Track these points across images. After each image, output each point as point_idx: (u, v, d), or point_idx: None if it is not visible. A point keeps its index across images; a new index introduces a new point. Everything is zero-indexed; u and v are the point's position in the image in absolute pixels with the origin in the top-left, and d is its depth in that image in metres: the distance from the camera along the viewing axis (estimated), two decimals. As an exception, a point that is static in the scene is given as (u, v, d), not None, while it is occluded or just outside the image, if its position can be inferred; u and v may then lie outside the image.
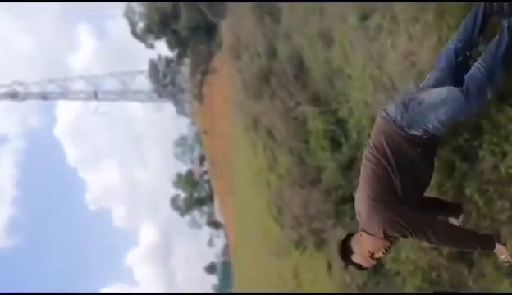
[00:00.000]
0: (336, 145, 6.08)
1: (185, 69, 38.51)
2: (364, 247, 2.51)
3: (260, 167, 13.11)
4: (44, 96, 37.07)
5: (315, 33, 7.04)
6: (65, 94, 37.57)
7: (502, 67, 2.45)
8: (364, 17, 5.31)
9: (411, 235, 2.39)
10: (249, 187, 18.12)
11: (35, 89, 36.97)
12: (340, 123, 6.10)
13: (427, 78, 2.72)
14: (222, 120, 28.41)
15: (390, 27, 4.58)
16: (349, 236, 2.63)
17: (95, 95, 37.37)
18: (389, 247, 2.52)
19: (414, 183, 2.48)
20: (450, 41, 2.81)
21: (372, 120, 5.22)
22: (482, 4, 2.65)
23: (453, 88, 2.52)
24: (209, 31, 30.00)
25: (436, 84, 2.59)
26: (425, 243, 2.62)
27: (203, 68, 33.87)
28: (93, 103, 40.45)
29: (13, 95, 36.37)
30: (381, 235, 2.43)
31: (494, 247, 2.36)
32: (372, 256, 2.51)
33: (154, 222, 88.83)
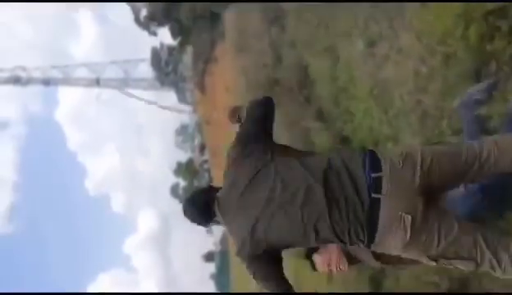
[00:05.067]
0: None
1: (188, 57, 38.48)
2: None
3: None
4: (46, 81, 37.09)
5: (321, 48, 7.13)
6: (67, 80, 37.61)
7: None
8: (371, 43, 5.41)
9: None
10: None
11: (37, 75, 37.03)
12: (345, 142, 6.21)
13: None
14: (224, 111, 28.38)
15: (397, 59, 4.69)
16: None
17: (97, 82, 37.41)
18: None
19: None
20: None
21: (376, 144, 5.37)
22: None
23: None
24: (212, 20, 29.94)
25: None
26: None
27: (205, 57, 33.81)
28: (95, 90, 40.54)
29: (16, 80, 36.40)
30: None
31: None
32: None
33: (154, 209, 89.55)
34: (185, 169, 40.97)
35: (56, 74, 37.50)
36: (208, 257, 42.67)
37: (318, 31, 7.39)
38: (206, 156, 40.28)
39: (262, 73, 9.21)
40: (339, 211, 1.81)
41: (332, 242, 1.93)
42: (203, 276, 45.64)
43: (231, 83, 20.67)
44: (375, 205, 1.78)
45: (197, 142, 41.61)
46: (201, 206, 2.10)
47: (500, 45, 2.97)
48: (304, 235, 1.88)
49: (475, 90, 2.97)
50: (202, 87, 35.10)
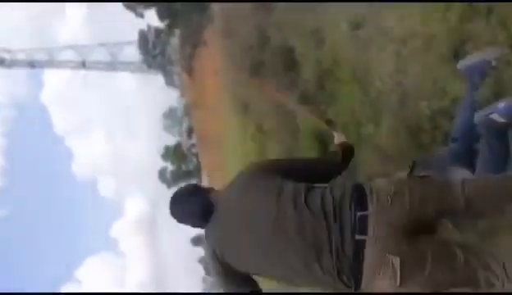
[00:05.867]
0: (325, 147, 6.24)
1: (175, 40, 38.09)
2: None
3: (247, 151, 13.30)
4: (32, 64, 36.57)
5: (307, 31, 7.13)
6: (52, 63, 37.10)
7: None
8: (356, 26, 5.43)
9: None
10: (238, 164, 18.28)
11: (22, 57, 36.47)
12: (327, 125, 6.23)
13: None
14: (212, 94, 28.27)
15: (380, 42, 4.71)
16: None
17: (83, 64, 36.96)
18: None
19: None
20: None
21: (358, 125, 5.41)
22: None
23: None
24: (201, 3, 29.61)
25: None
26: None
27: (193, 40, 33.46)
28: (82, 73, 40.10)
29: (0, 62, 35.83)
30: None
31: None
32: None
33: (141, 194, 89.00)
34: (173, 153, 40.86)
35: (41, 56, 37.10)
36: (196, 241, 42.75)
37: (305, 14, 7.38)
38: (194, 140, 40.17)
39: (248, 55, 9.19)
40: (325, 256, 1.63)
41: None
42: (191, 260, 45.79)
43: (219, 66, 20.56)
44: (360, 247, 1.59)
45: (185, 126, 41.46)
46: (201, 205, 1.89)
47: (479, 25, 3.00)
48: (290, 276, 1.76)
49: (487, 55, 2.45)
50: (190, 70, 34.83)
